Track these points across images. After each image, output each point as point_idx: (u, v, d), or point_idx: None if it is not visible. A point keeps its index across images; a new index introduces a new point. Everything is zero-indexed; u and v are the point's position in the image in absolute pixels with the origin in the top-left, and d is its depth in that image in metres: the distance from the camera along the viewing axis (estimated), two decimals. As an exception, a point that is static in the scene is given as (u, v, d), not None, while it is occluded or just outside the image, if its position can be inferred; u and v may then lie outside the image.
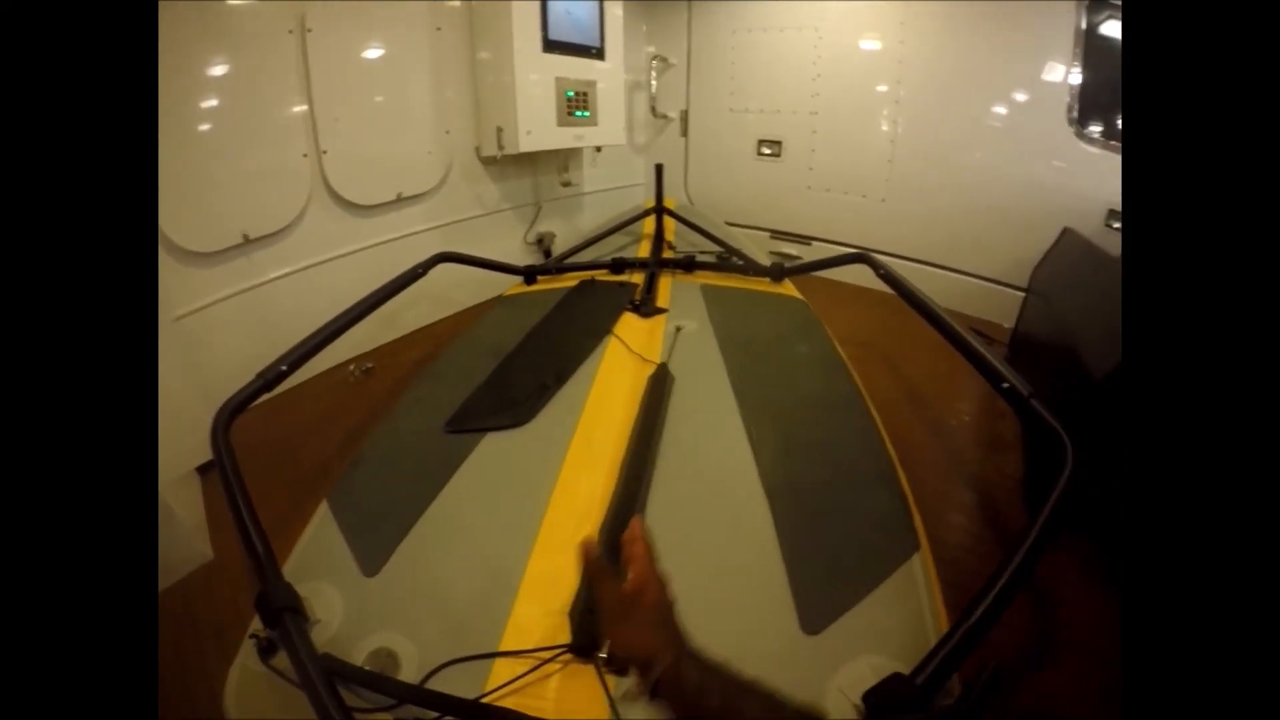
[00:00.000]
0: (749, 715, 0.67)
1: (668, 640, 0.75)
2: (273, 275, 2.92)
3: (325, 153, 2.97)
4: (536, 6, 3.46)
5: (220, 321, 2.70)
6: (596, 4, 3.86)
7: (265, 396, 1.75)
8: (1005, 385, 1.62)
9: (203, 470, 2.40)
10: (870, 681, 1.00)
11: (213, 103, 2.56)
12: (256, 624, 1.14)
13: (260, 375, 1.72)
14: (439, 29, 3.41)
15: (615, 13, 3.99)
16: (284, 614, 1.10)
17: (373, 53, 3.16)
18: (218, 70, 2.55)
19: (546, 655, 1.08)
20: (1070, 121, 3.64)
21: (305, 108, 2.89)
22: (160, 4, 2.18)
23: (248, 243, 2.75)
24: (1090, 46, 3.54)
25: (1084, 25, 3.52)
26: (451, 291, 3.72)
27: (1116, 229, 3.47)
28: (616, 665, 1.06)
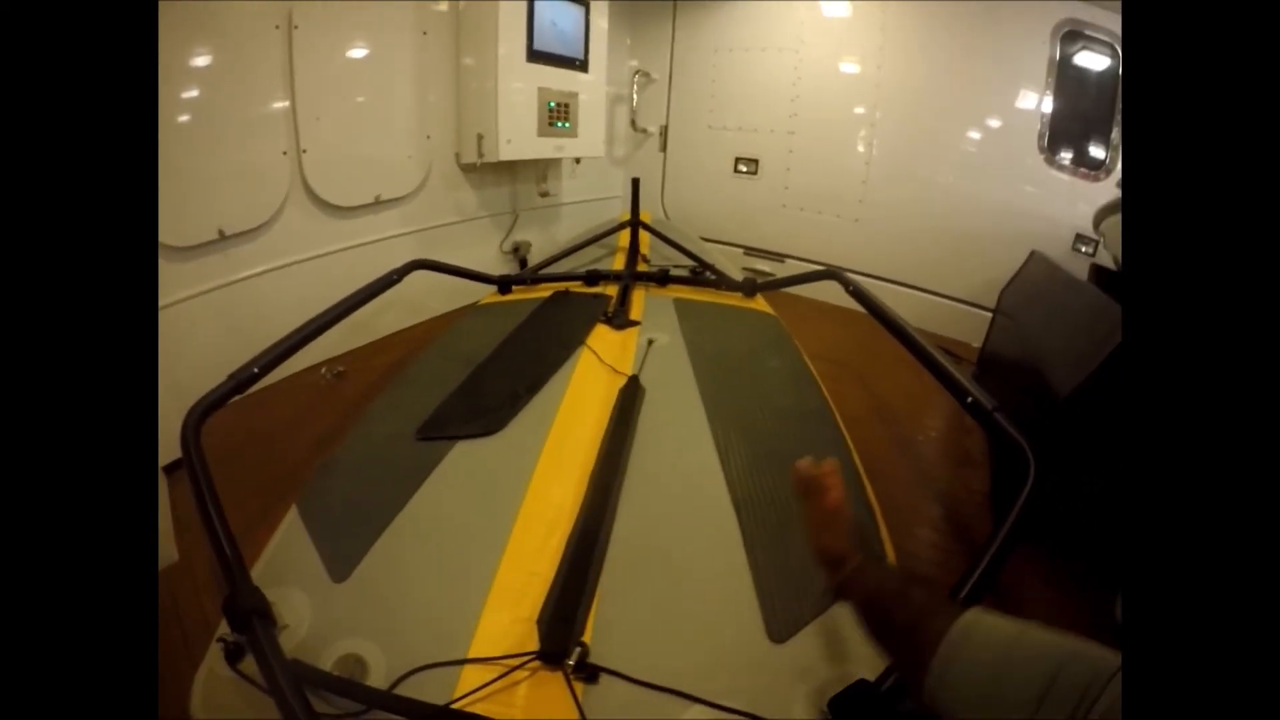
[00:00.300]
0: (915, 600, 0.83)
1: (857, 545, 0.96)
2: (247, 273, 2.88)
3: (305, 151, 2.95)
4: (523, 16, 3.48)
5: (192, 318, 2.66)
6: (582, 16, 3.89)
7: (235, 398, 1.74)
8: (970, 400, 1.67)
9: (168, 470, 2.37)
10: (836, 688, 1.03)
11: (194, 95, 2.53)
12: (224, 628, 1.14)
13: (232, 376, 1.72)
14: (425, 33, 3.42)
15: (601, 25, 4.03)
16: (252, 618, 1.10)
17: (358, 53, 3.16)
18: (200, 62, 2.53)
19: (515, 663, 1.10)
20: (1041, 149, 3.77)
21: (287, 105, 2.87)
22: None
23: (223, 239, 2.72)
24: (1063, 77, 3.68)
25: (1057, 56, 3.64)
26: (425, 298, 3.70)
27: (1083, 252, 3.60)
28: (586, 672, 1.08)
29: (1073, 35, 3.60)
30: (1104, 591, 1.70)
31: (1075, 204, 3.65)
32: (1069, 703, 0.57)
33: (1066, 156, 3.74)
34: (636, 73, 5.09)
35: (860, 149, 4.40)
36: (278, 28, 2.76)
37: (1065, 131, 3.74)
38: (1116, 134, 3.65)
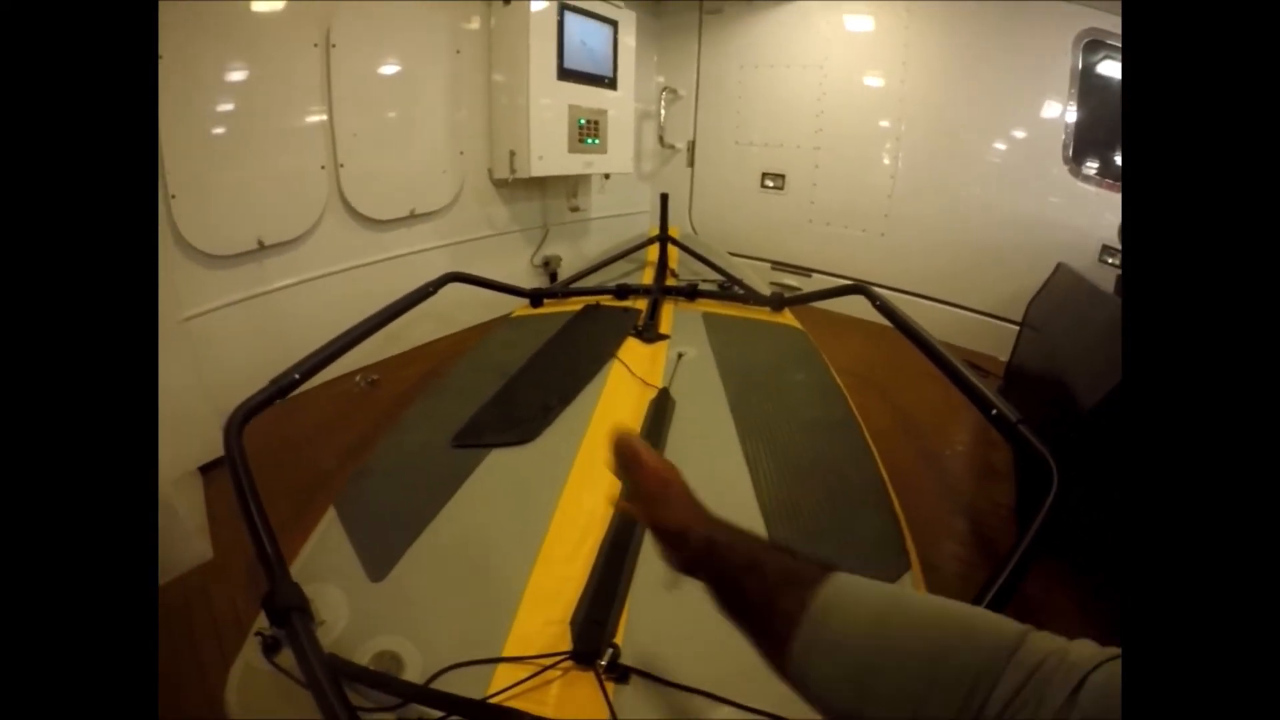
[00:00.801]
0: (769, 566, 0.71)
1: (698, 513, 0.85)
2: (283, 283, 2.96)
3: (342, 166, 3.03)
4: (554, 35, 3.56)
5: (228, 325, 2.73)
6: (611, 35, 3.97)
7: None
8: (994, 412, 1.68)
9: (204, 470, 2.43)
10: None
11: (236, 109, 2.62)
12: (260, 622, 1.17)
13: (274, 381, 1.76)
14: (458, 51, 3.50)
15: (628, 43, 4.10)
16: (291, 613, 1.13)
17: (393, 71, 3.25)
18: (241, 77, 2.62)
19: (548, 662, 1.11)
20: (1066, 159, 3.74)
21: (325, 120, 2.95)
22: (187, 8, 2.29)
23: (261, 249, 2.80)
24: (1086, 86, 3.65)
25: (1080, 66, 3.62)
26: (456, 310, 3.76)
27: (1109, 264, 3.57)
28: (617, 673, 1.10)
29: (1094, 45, 3.58)
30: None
31: (1101, 215, 3.62)
32: (956, 696, 0.49)
33: (1092, 167, 3.71)
34: (664, 89, 5.15)
35: (885, 162, 4.41)
36: (316, 46, 2.85)
37: (1090, 141, 3.70)
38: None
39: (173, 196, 2.41)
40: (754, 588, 0.71)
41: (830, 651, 0.59)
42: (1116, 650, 0.46)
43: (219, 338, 2.70)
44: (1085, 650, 0.48)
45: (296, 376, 1.81)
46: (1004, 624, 0.53)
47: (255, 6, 2.63)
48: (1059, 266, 3.36)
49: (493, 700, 1.06)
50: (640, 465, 0.88)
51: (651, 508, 0.86)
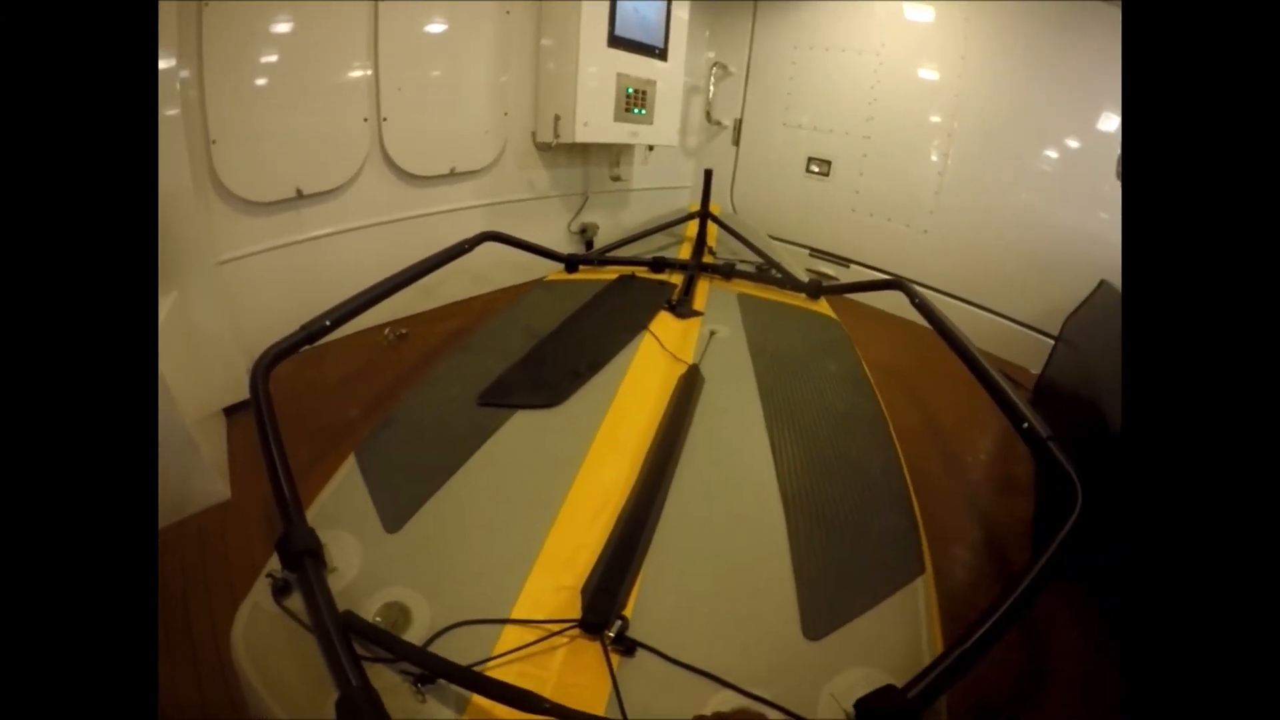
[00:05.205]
0: None
1: None
2: (319, 233, 2.97)
3: (385, 120, 3.02)
4: (606, 1, 3.50)
5: (265, 271, 2.76)
6: (664, 6, 3.90)
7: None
8: (1025, 425, 1.62)
9: (229, 412, 2.45)
10: (863, 690, 1.01)
11: (280, 59, 2.61)
12: (272, 564, 1.17)
13: (304, 327, 1.75)
14: (508, 12, 3.46)
15: (681, 16, 4.03)
16: (304, 557, 1.13)
17: (441, 28, 3.22)
18: (288, 25, 2.61)
19: (555, 628, 1.10)
20: (1119, 175, 3.60)
21: (370, 74, 2.94)
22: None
23: (300, 198, 2.80)
24: (1147, 101, 3.50)
25: (1143, 80, 3.49)
26: (490, 270, 3.77)
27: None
28: (624, 645, 1.08)
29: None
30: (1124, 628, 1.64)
31: (1149, 235, 3.49)
32: None
33: (1144, 184, 3.58)
34: (714, 65, 5.07)
35: (934, 158, 4.30)
36: (366, -1, 2.82)
37: (1144, 159, 3.57)
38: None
39: (213, 142, 2.42)
40: None
41: None
42: None
43: (255, 283, 2.72)
44: None
45: (327, 323, 1.80)
46: None
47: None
48: (1101, 284, 3.25)
49: (496, 661, 1.05)
50: None
51: None
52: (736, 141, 5.24)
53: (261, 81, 2.57)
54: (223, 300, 2.45)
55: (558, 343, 2.21)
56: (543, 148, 3.91)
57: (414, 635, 1.10)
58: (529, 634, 1.10)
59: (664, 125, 4.19)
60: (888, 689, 0.99)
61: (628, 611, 1.16)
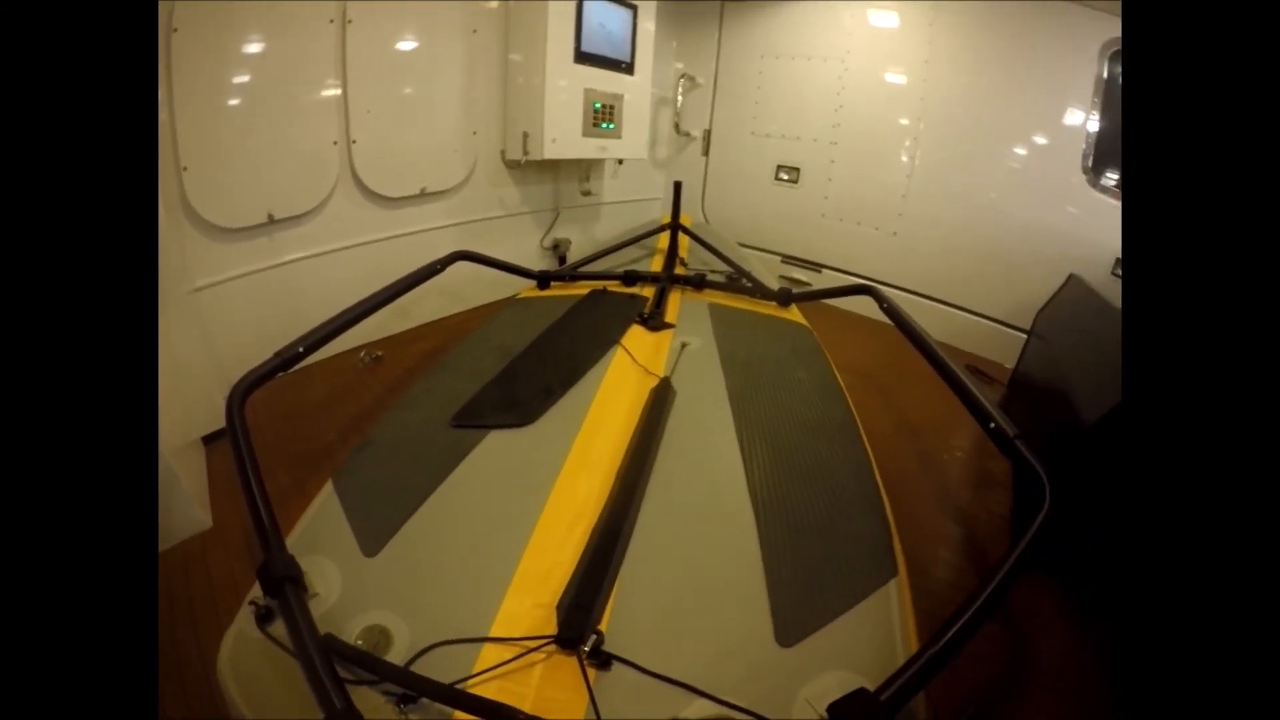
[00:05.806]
0: None
1: None
2: (293, 257, 2.97)
3: (355, 142, 3.04)
4: (572, 17, 3.54)
5: (237, 297, 2.76)
6: (630, 19, 3.94)
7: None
8: (992, 425, 1.67)
9: (207, 441, 2.45)
10: (836, 694, 1.03)
11: (250, 82, 2.62)
12: (255, 591, 1.20)
13: (278, 354, 1.77)
14: (475, 31, 3.49)
15: (648, 28, 4.07)
16: (285, 584, 1.16)
17: (408, 48, 3.23)
18: (255, 50, 2.62)
19: (533, 644, 1.13)
20: (1085, 169, 3.70)
21: (339, 96, 2.95)
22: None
23: (272, 223, 2.81)
24: (1110, 96, 3.60)
25: (1105, 75, 3.58)
26: (464, 288, 3.78)
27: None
28: (600, 659, 1.11)
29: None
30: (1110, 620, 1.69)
31: (1118, 227, 3.55)
32: None
33: (1111, 178, 3.66)
34: (682, 76, 5.12)
35: (903, 160, 4.38)
36: (332, 22, 2.85)
37: (1111, 153, 3.65)
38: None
39: (184, 169, 2.42)
40: None
41: None
42: None
43: (229, 309, 2.72)
44: None
45: (300, 350, 1.82)
46: None
47: (273, -19, 2.63)
48: (1071, 278, 3.34)
49: (476, 679, 1.08)
50: None
51: None
52: (706, 152, 5.30)
53: (232, 104, 2.58)
54: (197, 328, 2.45)
55: (530, 360, 2.24)
56: (512, 165, 3.94)
57: (395, 656, 1.13)
58: (507, 651, 1.12)
59: (633, 139, 4.22)
60: (860, 692, 1.02)
61: (603, 625, 1.19)
